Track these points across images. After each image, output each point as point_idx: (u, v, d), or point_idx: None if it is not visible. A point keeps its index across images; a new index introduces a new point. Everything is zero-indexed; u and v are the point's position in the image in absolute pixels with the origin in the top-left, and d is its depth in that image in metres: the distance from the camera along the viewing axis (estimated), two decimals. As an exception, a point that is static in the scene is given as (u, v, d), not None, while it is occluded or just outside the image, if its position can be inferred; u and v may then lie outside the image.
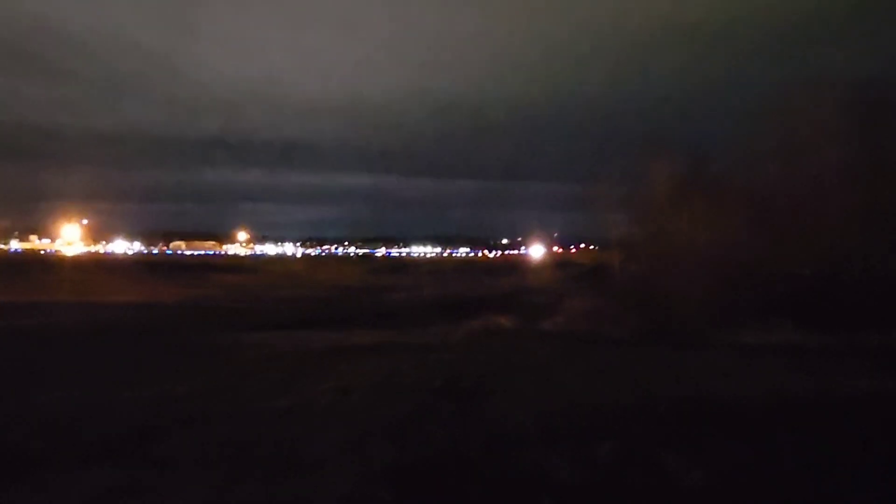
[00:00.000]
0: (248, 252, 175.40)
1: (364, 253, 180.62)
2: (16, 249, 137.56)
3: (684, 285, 21.62)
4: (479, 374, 12.92)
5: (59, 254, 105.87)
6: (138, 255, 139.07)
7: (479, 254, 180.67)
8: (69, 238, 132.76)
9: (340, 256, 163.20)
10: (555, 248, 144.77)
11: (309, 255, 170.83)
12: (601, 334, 20.12)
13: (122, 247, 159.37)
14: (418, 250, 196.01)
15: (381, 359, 14.96)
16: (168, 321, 24.94)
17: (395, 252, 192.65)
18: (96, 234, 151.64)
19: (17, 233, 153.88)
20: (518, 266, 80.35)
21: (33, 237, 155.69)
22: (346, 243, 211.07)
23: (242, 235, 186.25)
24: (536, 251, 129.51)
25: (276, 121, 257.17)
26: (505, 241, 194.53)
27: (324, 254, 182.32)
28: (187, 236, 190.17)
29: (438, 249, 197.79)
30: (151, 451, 8.44)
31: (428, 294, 40.78)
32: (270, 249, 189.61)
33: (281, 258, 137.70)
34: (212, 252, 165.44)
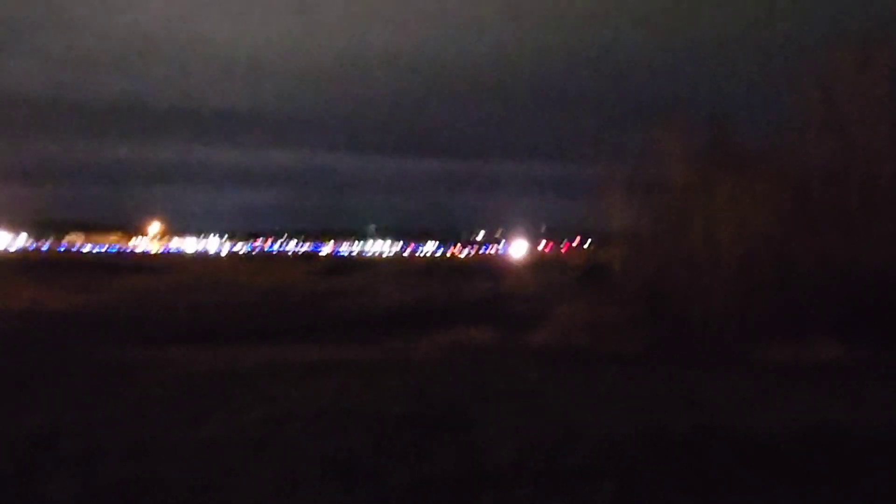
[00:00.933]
0: (162, 248, 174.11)
1: (307, 250, 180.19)
2: None
3: (704, 289, 21.54)
4: (450, 401, 12.69)
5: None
6: (24, 250, 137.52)
7: (450, 251, 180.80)
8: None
9: (277, 254, 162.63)
10: (542, 244, 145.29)
11: (238, 251, 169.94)
12: (601, 350, 20.00)
13: (4, 241, 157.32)
14: (374, 246, 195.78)
15: (324, 380, 14.71)
16: (57, 333, 24.54)
17: (345, 249, 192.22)
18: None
19: None
20: (497, 265, 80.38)
21: None
22: (285, 237, 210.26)
23: (155, 227, 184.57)
24: (519, 247, 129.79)
25: (199, 84, 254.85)
26: (481, 235, 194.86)
27: (257, 250, 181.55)
28: (87, 227, 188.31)
29: (399, 245, 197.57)
30: (29, 493, 8.13)
31: (385, 300, 40.59)
32: (190, 245, 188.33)
33: (203, 255, 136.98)
34: (116, 248, 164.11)
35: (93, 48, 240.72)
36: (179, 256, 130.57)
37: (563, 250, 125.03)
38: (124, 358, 18.32)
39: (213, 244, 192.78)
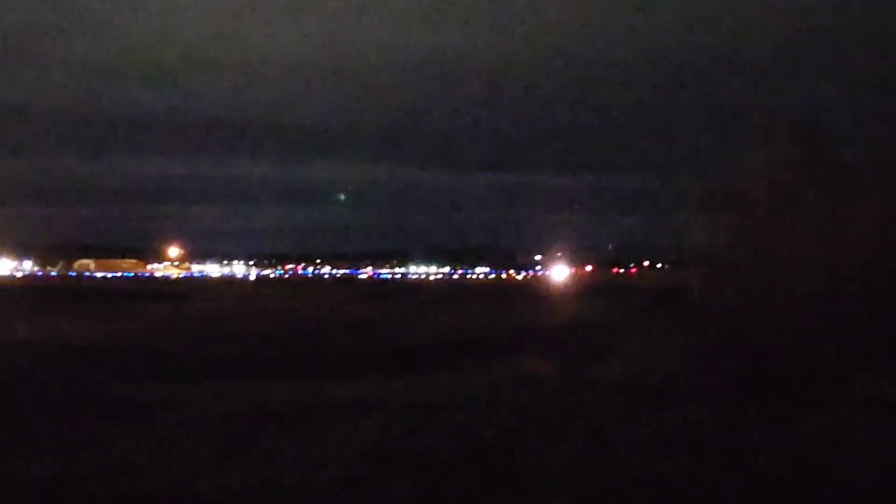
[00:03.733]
0: (183, 273, 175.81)
1: (344, 274, 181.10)
2: None
3: (798, 316, 21.29)
4: (506, 442, 12.65)
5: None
6: (31, 277, 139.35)
7: (504, 274, 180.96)
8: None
9: (311, 279, 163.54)
10: (609, 267, 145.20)
11: (267, 277, 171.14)
12: (679, 385, 19.78)
13: (8, 267, 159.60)
14: (420, 270, 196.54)
15: (365, 419, 14.74)
16: (70, 368, 24.83)
17: (387, 273, 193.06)
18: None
19: None
20: (557, 291, 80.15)
21: None
22: (319, 262, 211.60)
23: (174, 251, 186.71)
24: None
25: (222, 87, 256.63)
26: (538, 256, 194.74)
27: (288, 275, 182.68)
28: (98, 252, 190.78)
29: (447, 269, 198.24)
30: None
31: (433, 330, 40.56)
32: (214, 270, 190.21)
33: (228, 281, 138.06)
34: (132, 274, 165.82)
35: (105, 45, 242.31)
36: (203, 282, 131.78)
37: (632, 273, 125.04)
38: (144, 395, 18.44)
39: (240, 269, 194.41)
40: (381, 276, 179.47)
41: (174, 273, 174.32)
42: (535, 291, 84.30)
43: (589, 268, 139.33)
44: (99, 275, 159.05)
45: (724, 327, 23.38)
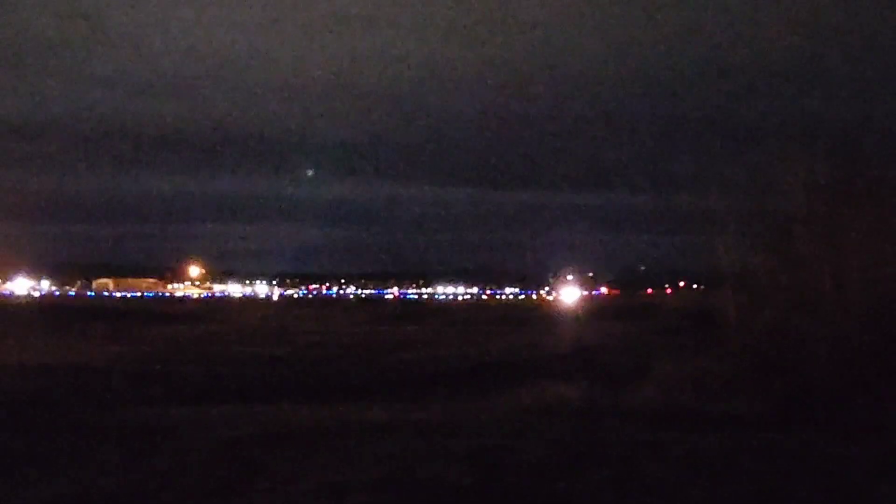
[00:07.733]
0: (203, 293, 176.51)
1: (368, 294, 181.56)
2: None
3: (833, 338, 21.13)
4: (531, 471, 12.58)
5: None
6: (48, 297, 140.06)
7: (535, 295, 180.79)
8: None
9: (335, 299, 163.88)
10: (639, 288, 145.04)
11: (290, 297, 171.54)
12: (712, 412, 19.68)
13: (25, 286, 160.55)
14: (446, 290, 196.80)
15: (383, 444, 14.69)
16: (82, 391, 24.94)
17: (413, 293, 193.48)
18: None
19: None
20: (586, 311, 79.97)
21: None
22: (343, 281, 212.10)
23: (195, 271, 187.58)
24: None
25: (242, 106, 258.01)
26: (570, 276, 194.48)
27: (311, 296, 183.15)
28: (118, 271, 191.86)
29: (474, 290, 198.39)
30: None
31: (459, 352, 40.59)
32: (235, 289, 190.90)
33: (250, 301, 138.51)
34: (152, 294, 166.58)
35: (143, 71, 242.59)
36: (224, 302, 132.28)
37: (667, 294, 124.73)
38: (160, 419, 18.52)
39: (262, 288, 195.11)
40: (408, 296, 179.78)
41: (195, 293, 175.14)
42: (564, 311, 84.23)
43: (605, 289, 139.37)
44: (118, 295, 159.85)
45: (759, 352, 23.25)
